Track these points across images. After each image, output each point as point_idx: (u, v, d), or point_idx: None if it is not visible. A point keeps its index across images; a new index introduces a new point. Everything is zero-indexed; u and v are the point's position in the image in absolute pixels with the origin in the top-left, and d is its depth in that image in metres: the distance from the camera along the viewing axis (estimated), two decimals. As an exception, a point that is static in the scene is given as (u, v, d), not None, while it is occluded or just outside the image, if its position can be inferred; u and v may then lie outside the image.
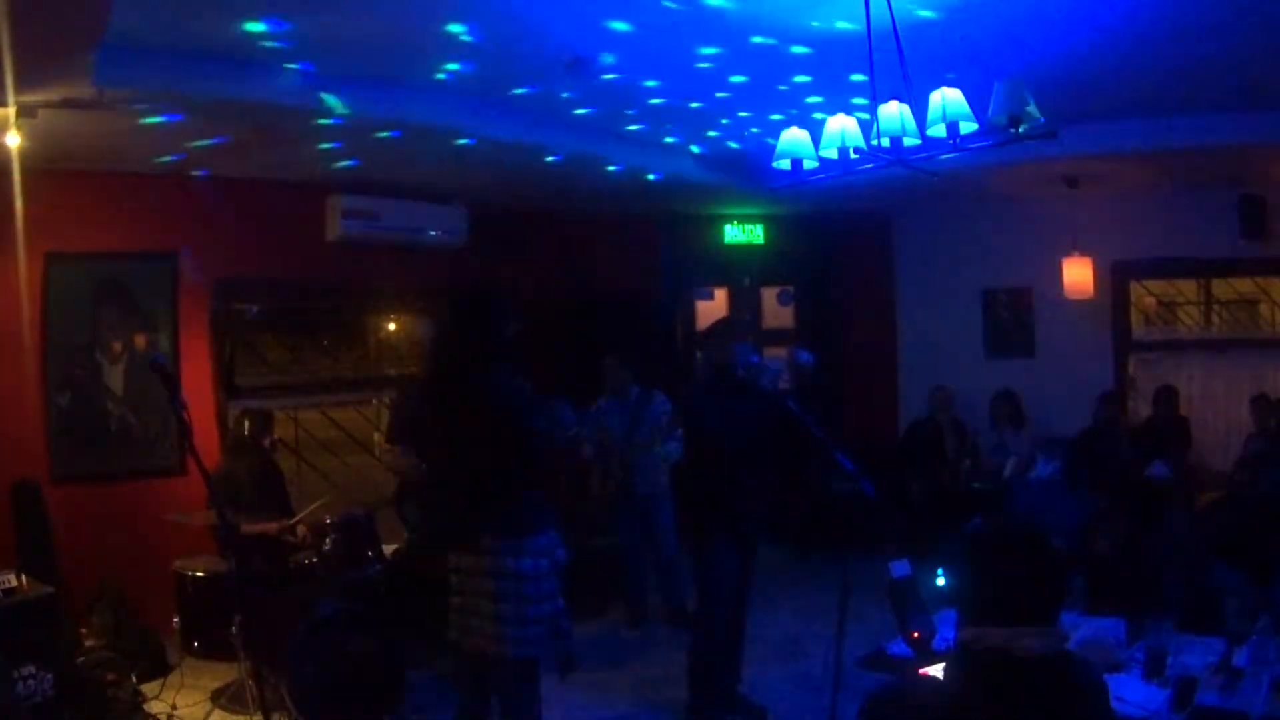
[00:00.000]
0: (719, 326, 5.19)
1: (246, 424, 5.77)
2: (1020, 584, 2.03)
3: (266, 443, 5.80)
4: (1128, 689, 3.19)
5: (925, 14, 4.25)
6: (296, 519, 5.46)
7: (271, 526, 5.36)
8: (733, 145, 6.81)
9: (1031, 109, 3.69)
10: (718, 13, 4.24)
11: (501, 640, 3.75)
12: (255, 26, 4.18)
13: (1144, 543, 6.17)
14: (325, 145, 5.74)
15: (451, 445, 3.90)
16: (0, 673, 4.07)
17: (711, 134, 6.53)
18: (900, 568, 3.01)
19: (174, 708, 4.99)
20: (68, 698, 4.45)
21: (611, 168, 6.69)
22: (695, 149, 6.99)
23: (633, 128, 6.27)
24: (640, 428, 6.58)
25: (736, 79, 5.24)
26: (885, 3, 3.83)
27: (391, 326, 8.20)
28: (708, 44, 4.68)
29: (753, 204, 8.85)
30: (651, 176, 6.99)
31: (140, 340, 6.25)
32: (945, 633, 2.83)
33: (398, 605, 5.44)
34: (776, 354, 8.53)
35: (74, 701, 4.50)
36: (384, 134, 5.54)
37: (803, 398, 4.75)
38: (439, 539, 3.96)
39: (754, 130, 6.36)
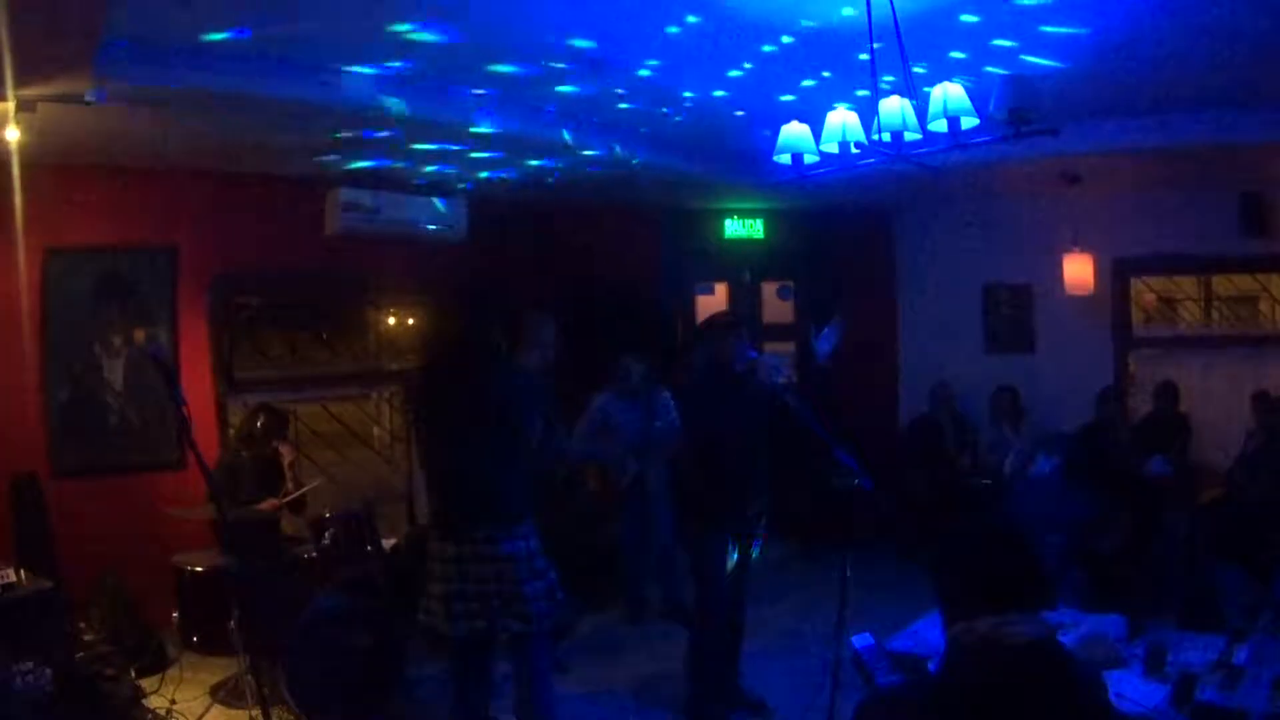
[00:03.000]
0: (717, 321, 5.18)
1: (261, 419, 5.76)
2: (1003, 572, 2.05)
3: (274, 445, 5.80)
4: (1128, 686, 3.19)
5: (928, 8, 4.24)
6: (291, 495, 5.47)
7: (267, 504, 5.37)
8: (733, 140, 6.80)
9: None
10: (718, 8, 4.23)
11: (507, 617, 3.81)
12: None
13: (1144, 540, 6.18)
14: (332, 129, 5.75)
15: (452, 435, 3.91)
16: None
17: (712, 129, 6.51)
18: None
19: (173, 703, 4.98)
20: (66, 693, 4.44)
21: (595, 156, 6.66)
22: (696, 143, 6.97)
23: (634, 124, 6.26)
24: (655, 423, 6.57)
25: (735, 73, 5.23)
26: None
27: (391, 320, 8.18)
28: (708, 39, 4.66)
29: (753, 198, 8.83)
30: (651, 169, 6.96)
31: (140, 335, 6.24)
32: (932, 631, 2.83)
33: (396, 599, 5.44)
34: (778, 349, 8.55)
35: (73, 697, 4.49)
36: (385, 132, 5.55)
37: (805, 393, 4.73)
38: (435, 526, 3.95)
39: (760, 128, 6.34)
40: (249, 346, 7.40)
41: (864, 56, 4.11)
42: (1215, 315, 8.71)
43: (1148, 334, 8.69)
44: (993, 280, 8.98)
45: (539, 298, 7.99)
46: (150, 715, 4.86)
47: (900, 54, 3.87)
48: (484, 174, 6.88)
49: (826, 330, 4.82)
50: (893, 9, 3.82)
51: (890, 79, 4.29)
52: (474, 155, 6.29)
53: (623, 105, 5.71)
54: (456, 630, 3.88)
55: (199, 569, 5.08)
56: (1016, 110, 3.67)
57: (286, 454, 5.80)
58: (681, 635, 5.23)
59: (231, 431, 6.56)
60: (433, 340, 4.12)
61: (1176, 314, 9.01)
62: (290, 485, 5.69)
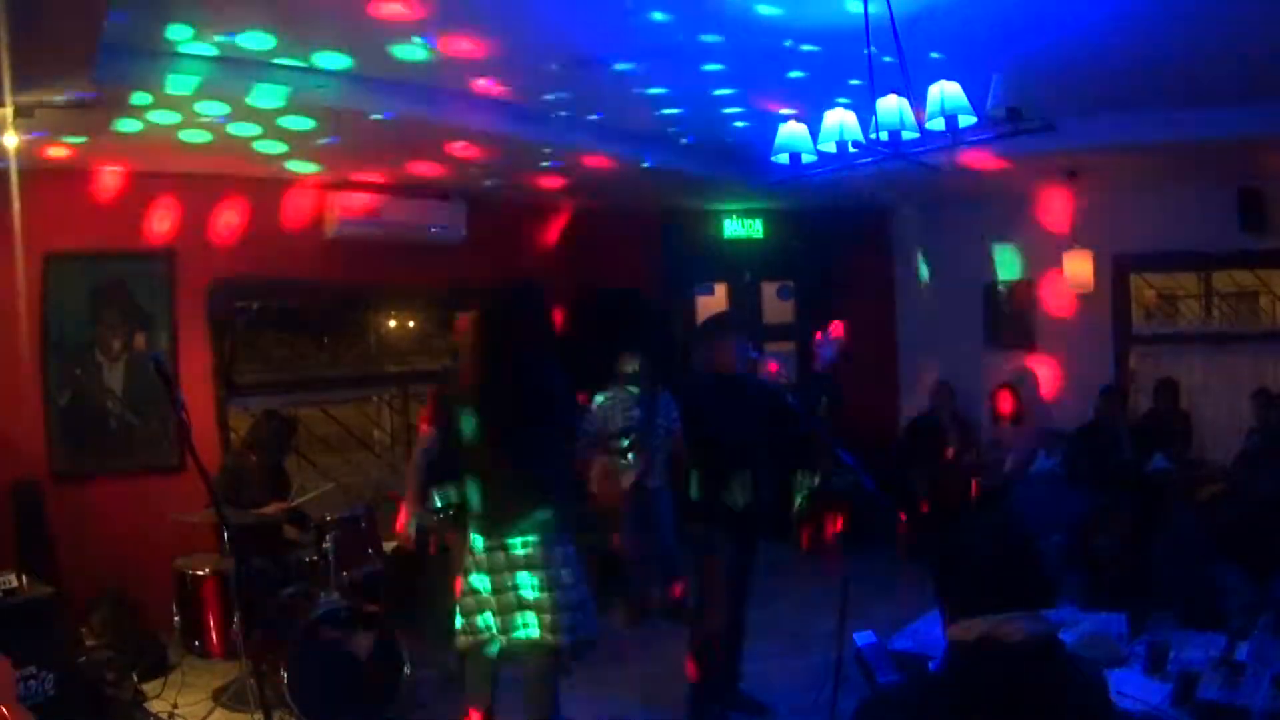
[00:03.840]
0: (717, 321, 5.18)
1: (270, 427, 5.75)
2: (1004, 570, 2.04)
3: (283, 451, 5.80)
4: (1129, 684, 3.19)
5: (925, 6, 4.24)
6: (295, 501, 5.47)
7: (271, 508, 5.38)
8: (732, 140, 6.80)
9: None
10: (718, 7, 4.23)
11: (556, 629, 3.80)
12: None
13: (1145, 537, 6.17)
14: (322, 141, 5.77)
15: (495, 438, 3.88)
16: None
17: (712, 129, 6.51)
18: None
19: (175, 707, 4.98)
20: (68, 697, 4.44)
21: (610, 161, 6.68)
22: (694, 143, 6.97)
23: (633, 122, 6.26)
24: (656, 421, 6.56)
25: (737, 73, 5.23)
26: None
27: (391, 324, 8.19)
28: (709, 36, 4.67)
29: (752, 199, 8.84)
30: (647, 164, 6.96)
31: (139, 339, 6.25)
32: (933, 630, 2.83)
33: (398, 603, 5.44)
34: (778, 349, 8.54)
35: (75, 701, 4.49)
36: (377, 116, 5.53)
37: (807, 393, 4.73)
38: (480, 534, 3.92)
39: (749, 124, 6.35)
40: (249, 350, 7.40)
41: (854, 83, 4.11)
42: (1215, 312, 8.70)
43: (1148, 331, 8.68)
44: (993, 278, 8.98)
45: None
46: (152, 719, 4.86)
47: (898, 52, 3.88)
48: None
49: (828, 336, 4.82)
50: (890, 9, 3.83)
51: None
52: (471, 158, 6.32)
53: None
54: (500, 645, 3.85)
55: (200, 573, 5.08)
56: (1013, 107, 3.67)
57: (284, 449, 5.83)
58: (682, 636, 5.23)
59: (234, 435, 6.58)
60: (483, 339, 4.03)
61: (1177, 311, 9.01)
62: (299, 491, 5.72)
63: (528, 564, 3.81)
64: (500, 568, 3.83)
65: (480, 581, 3.87)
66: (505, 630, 3.86)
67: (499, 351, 3.92)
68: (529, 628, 3.82)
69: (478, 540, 3.91)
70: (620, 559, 6.81)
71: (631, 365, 6.61)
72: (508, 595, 3.83)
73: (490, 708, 4.10)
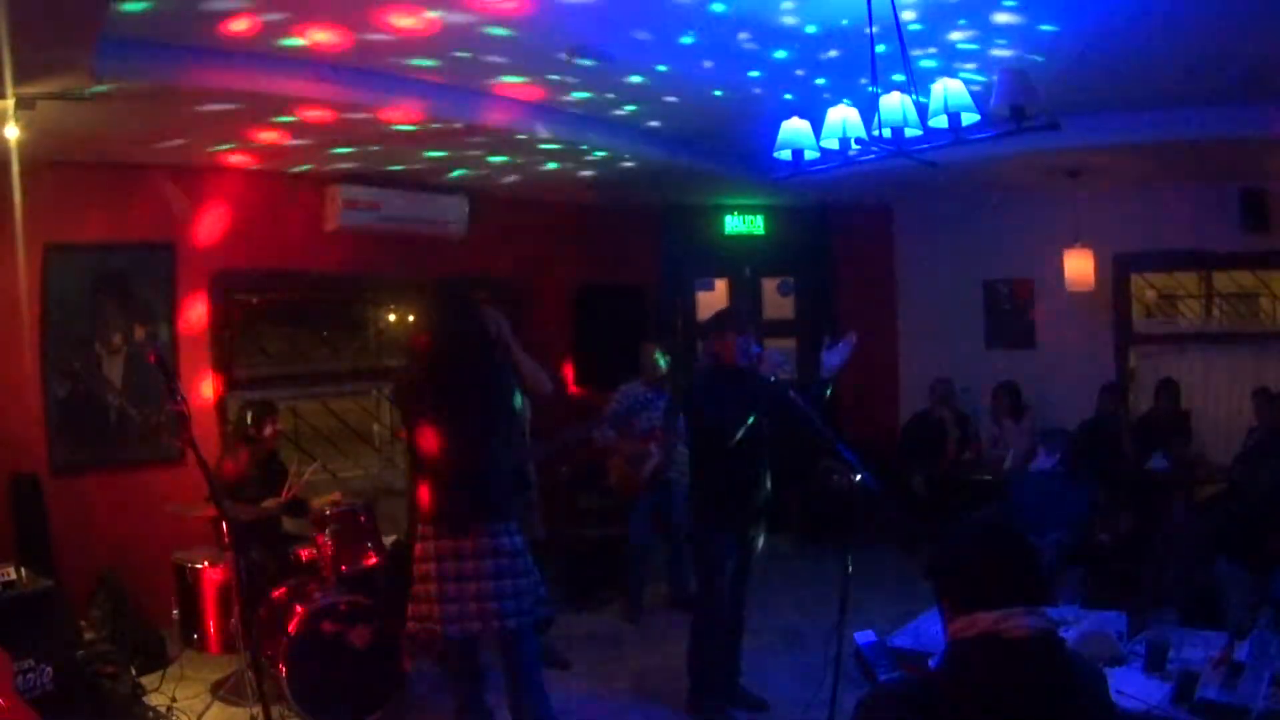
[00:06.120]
0: (721, 316, 5.18)
1: (248, 415, 5.72)
2: (1004, 565, 2.05)
3: (268, 431, 5.73)
4: (1129, 682, 3.18)
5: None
6: (292, 489, 5.44)
7: (271, 503, 5.36)
8: (734, 135, 6.79)
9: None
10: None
11: (502, 615, 3.82)
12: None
13: (1145, 536, 6.17)
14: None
15: (444, 432, 3.92)
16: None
17: (713, 124, 6.50)
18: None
19: (173, 700, 4.98)
20: (67, 691, 4.44)
21: (601, 153, 6.67)
22: (697, 139, 6.96)
23: (632, 115, 6.25)
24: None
25: (738, 65, 5.22)
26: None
27: (392, 317, 8.18)
28: (709, 31, 4.66)
29: (754, 194, 8.83)
30: (651, 161, 6.95)
31: (139, 331, 6.24)
32: (934, 628, 2.83)
33: (396, 596, 5.43)
34: (778, 345, 8.53)
35: (73, 694, 4.49)
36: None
37: (805, 389, 4.73)
38: (430, 525, 3.94)
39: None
40: (249, 344, 7.39)
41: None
42: (1216, 312, 8.69)
43: (1148, 330, 8.69)
44: (993, 275, 8.98)
45: (540, 293, 8.02)
46: (151, 713, 4.86)
47: (901, 50, 3.87)
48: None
49: (840, 345, 4.84)
50: (893, 6, 3.81)
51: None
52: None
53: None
54: (450, 632, 3.86)
55: (199, 566, 5.08)
56: (1017, 105, 3.65)
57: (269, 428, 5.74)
58: (682, 632, 5.23)
59: (230, 428, 6.56)
60: (423, 336, 4.11)
61: (1177, 310, 9.00)
62: (293, 477, 5.68)
63: (473, 553, 3.82)
64: (453, 556, 3.84)
65: (437, 570, 3.87)
66: (457, 618, 3.86)
67: (436, 354, 4.00)
68: (474, 617, 3.83)
69: (431, 529, 3.93)
70: (625, 551, 6.81)
71: (657, 355, 6.63)
72: (456, 585, 3.84)
73: (478, 696, 4.10)
